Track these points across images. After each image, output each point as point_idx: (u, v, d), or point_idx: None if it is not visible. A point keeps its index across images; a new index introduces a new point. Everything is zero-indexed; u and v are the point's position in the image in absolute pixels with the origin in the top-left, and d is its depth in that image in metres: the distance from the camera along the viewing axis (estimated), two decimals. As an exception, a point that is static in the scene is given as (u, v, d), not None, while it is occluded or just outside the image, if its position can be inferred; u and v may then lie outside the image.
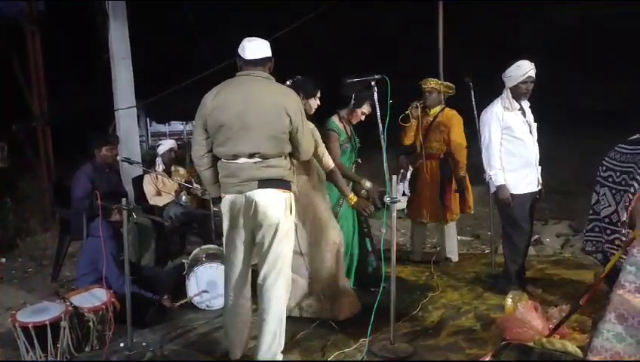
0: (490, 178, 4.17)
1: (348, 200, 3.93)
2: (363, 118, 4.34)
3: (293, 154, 3.12)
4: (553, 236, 5.59)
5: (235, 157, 2.98)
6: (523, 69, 4.06)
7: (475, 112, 4.82)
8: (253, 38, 3.07)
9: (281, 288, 3.07)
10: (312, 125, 3.76)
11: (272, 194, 2.98)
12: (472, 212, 5.22)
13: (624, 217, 3.62)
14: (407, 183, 8.15)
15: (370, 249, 4.50)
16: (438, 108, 5.08)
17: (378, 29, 14.77)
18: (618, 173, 3.78)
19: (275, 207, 2.99)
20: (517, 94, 4.13)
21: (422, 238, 5.37)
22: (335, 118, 4.37)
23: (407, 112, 5.07)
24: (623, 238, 3.57)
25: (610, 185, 3.81)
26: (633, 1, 11.06)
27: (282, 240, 3.04)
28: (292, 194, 3.09)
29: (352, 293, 4.05)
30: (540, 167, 4.30)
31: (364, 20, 14.52)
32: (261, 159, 2.95)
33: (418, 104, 5.11)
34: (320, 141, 3.78)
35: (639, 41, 11.43)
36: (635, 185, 3.58)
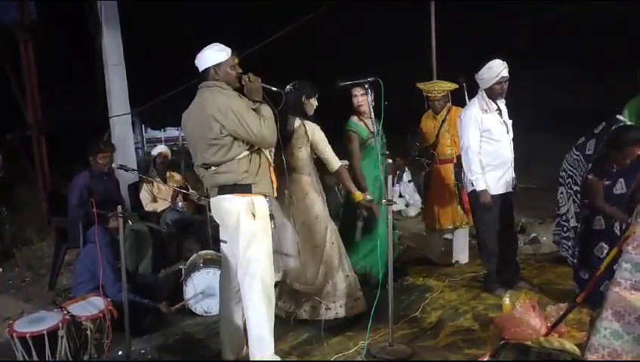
0: (472, 182, 4.17)
1: (354, 196, 4.03)
2: (363, 101, 4.30)
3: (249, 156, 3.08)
4: (550, 234, 5.59)
5: (202, 167, 3.11)
6: (495, 70, 4.04)
7: None
8: (203, 49, 3.11)
9: (258, 293, 3.05)
10: (315, 126, 3.86)
11: (228, 200, 3.06)
12: None
13: (572, 223, 3.89)
14: (403, 185, 8.18)
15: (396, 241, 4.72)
16: (445, 111, 5.03)
17: (371, 28, 14.81)
18: (566, 175, 3.99)
19: (232, 212, 3.04)
20: (493, 95, 4.11)
21: (439, 241, 5.34)
22: (353, 118, 4.46)
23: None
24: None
25: (564, 185, 4.04)
26: (624, 1, 11.15)
27: (249, 244, 3.04)
28: (254, 197, 3.06)
29: (357, 294, 4.02)
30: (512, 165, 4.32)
31: (359, 20, 14.55)
32: (214, 167, 3.04)
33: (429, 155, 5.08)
34: (323, 143, 3.88)
35: (630, 40, 11.51)
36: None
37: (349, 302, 3.92)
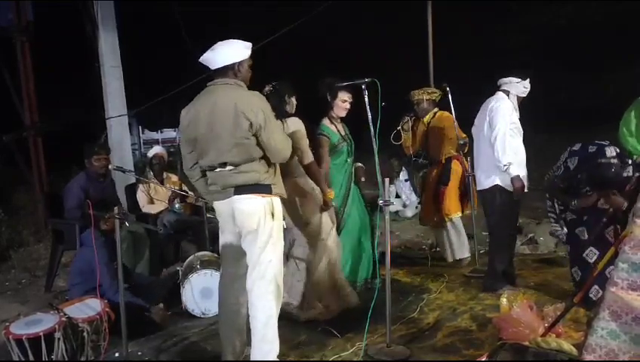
0: (506, 167, 4.09)
1: (326, 194, 3.97)
2: (347, 105, 4.33)
3: (270, 158, 3.04)
4: (547, 235, 5.60)
5: (212, 167, 3.01)
6: (528, 81, 4.20)
7: (454, 116, 4.95)
8: (217, 44, 3.00)
9: (270, 295, 3.02)
10: (295, 119, 3.82)
11: (248, 200, 2.97)
12: (472, 212, 5.12)
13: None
14: (399, 184, 8.18)
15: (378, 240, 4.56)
16: (430, 115, 5.14)
17: (368, 29, 14.83)
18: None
19: (252, 212, 2.97)
20: (518, 99, 4.24)
21: (445, 238, 5.28)
22: (325, 121, 4.41)
23: (398, 128, 5.12)
24: None
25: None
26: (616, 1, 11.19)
27: (266, 246, 2.99)
28: (273, 197, 3.03)
29: (346, 288, 4.08)
30: None
31: (356, 21, 14.57)
32: (233, 166, 2.95)
33: (409, 118, 5.18)
34: (300, 134, 3.80)
35: (625, 40, 11.54)
36: None
37: (338, 298, 3.98)
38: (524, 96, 4.24)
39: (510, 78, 4.20)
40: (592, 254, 3.73)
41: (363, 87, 3.63)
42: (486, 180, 4.24)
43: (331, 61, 13.09)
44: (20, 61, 7.19)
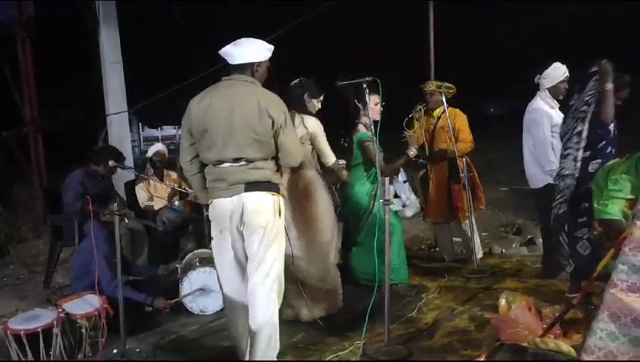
0: (550, 173, 4.19)
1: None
2: (379, 107, 4.22)
3: (280, 160, 3.04)
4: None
5: (221, 162, 2.94)
6: (562, 70, 4.34)
7: (448, 116, 4.93)
8: (241, 41, 2.99)
9: (274, 293, 2.99)
10: (314, 118, 3.88)
11: (259, 197, 2.94)
12: (484, 208, 5.17)
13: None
14: (398, 185, 8.16)
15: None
16: (440, 109, 5.10)
17: (368, 29, 14.83)
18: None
19: (263, 209, 2.94)
20: (555, 94, 4.35)
21: (447, 238, 5.33)
22: (362, 128, 4.38)
23: (410, 115, 5.11)
24: None
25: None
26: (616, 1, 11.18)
27: (271, 243, 2.97)
28: (280, 197, 3.03)
29: (339, 289, 4.07)
30: None
31: (356, 20, 14.57)
32: (247, 162, 2.92)
33: (421, 107, 5.16)
34: (321, 135, 3.87)
35: (625, 40, 11.54)
36: None
37: (326, 302, 3.97)
38: (555, 84, 4.32)
39: (539, 76, 4.40)
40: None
41: (364, 86, 3.62)
42: (536, 180, 4.42)
43: (331, 61, 13.10)
44: (20, 57, 7.18)
